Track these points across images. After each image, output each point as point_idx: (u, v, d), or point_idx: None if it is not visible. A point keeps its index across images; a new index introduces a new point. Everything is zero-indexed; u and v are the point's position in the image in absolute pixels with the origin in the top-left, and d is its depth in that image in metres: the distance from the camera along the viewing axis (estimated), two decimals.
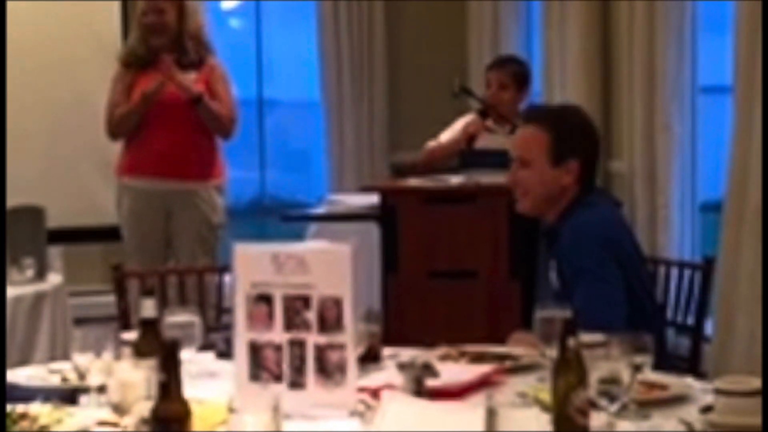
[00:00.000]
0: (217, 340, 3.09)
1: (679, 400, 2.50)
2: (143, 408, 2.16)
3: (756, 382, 2.35)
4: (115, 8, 6.12)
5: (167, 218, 5.14)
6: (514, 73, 5.45)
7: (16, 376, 2.82)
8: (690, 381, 2.67)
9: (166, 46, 5.02)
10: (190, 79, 5.01)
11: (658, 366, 2.62)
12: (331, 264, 2.50)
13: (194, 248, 5.12)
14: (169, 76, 4.94)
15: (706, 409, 2.38)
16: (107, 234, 5.58)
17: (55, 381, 2.77)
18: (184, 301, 3.86)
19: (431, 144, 5.50)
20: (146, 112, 5.00)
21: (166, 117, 5.02)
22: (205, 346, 2.91)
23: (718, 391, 2.35)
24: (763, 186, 4.63)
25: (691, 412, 2.40)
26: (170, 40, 5.03)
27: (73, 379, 2.70)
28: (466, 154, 5.20)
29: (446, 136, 5.50)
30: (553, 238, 3.27)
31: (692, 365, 3.38)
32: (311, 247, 2.81)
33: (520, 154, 3.28)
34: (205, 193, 5.16)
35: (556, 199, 3.25)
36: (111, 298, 3.90)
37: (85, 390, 2.59)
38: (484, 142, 5.31)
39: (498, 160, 5.12)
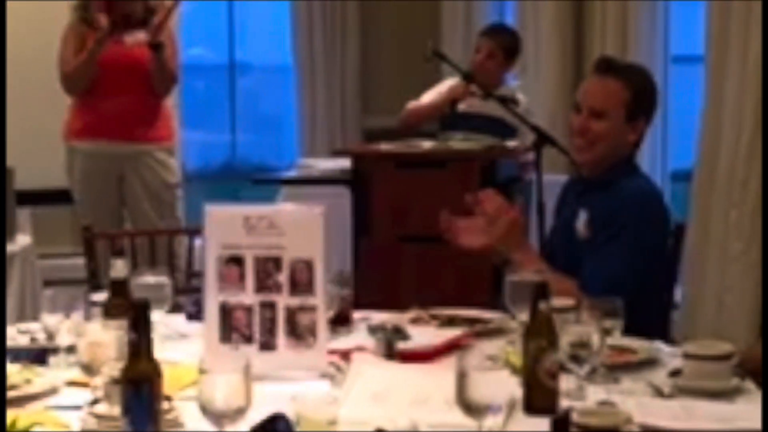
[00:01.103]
0: (186, 302, 3.09)
1: (648, 364, 2.52)
2: (113, 368, 2.15)
3: (724, 347, 2.37)
4: None
5: (119, 181, 5.10)
6: (505, 43, 5.45)
7: None
8: (659, 345, 2.68)
9: (133, 10, 4.99)
10: (140, 38, 4.97)
11: (643, 333, 2.64)
12: (302, 226, 2.50)
13: (149, 209, 5.08)
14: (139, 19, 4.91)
15: (675, 373, 2.40)
16: None
17: (24, 341, 2.76)
18: (153, 263, 3.84)
19: (413, 104, 5.50)
20: (97, 75, 4.97)
21: (115, 80, 4.97)
22: (174, 308, 2.90)
23: (687, 356, 2.37)
24: (763, 187, 4.65)
25: (660, 376, 2.42)
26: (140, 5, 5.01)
27: (42, 340, 2.69)
28: (448, 117, 5.22)
29: (428, 97, 5.51)
30: (597, 188, 3.21)
31: (662, 331, 3.40)
32: (283, 208, 2.80)
33: (596, 105, 3.19)
34: (158, 154, 5.12)
35: (617, 155, 3.23)
36: (80, 261, 3.88)
37: (55, 350, 2.58)
38: (465, 106, 5.33)
39: (478, 124, 5.14)
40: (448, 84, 5.51)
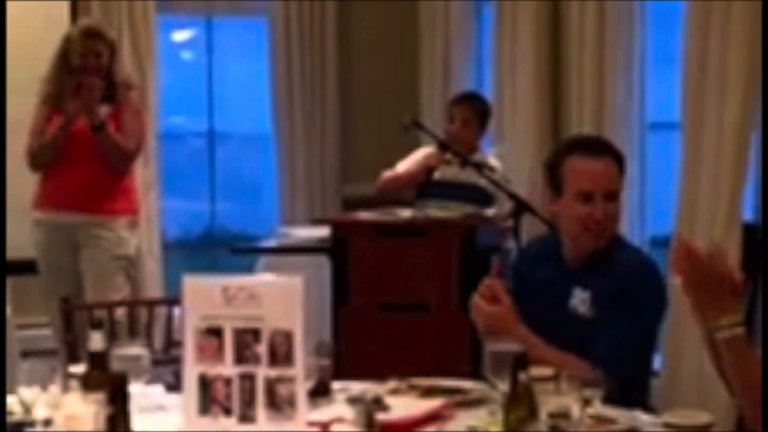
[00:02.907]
0: (165, 373, 3.07)
1: None
2: None
3: (704, 417, 2.37)
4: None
5: (75, 252, 5.10)
6: (478, 110, 5.50)
7: None
8: (639, 414, 2.68)
9: (95, 85, 5.02)
10: (103, 111, 5.01)
11: (623, 403, 2.64)
12: (281, 297, 2.49)
13: (99, 283, 5.06)
14: (89, 99, 4.92)
15: None
16: None
17: None
18: (132, 333, 3.83)
19: (388, 173, 5.52)
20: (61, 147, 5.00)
21: (76, 150, 5.00)
22: (152, 379, 2.89)
23: (668, 425, 2.37)
24: (763, 193, 4.67)
25: None
26: (100, 80, 5.04)
27: (19, 413, 2.66)
28: (424, 185, 5.24)
29: (403, 166, 5.53)
30: (591, 269, 3.20)
31: (642, 399, 3.39)
32: (262, 279, 2.79)
33: (612, 187, 3.19)
34: (113, 227, 5.11)
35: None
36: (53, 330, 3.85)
37: (31, 424, 2.56)
38: (440, 174, 5.35)
39: (455, 192, 5.16)
40: (422, 152, 5.54)
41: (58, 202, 5.07)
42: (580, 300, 3.17)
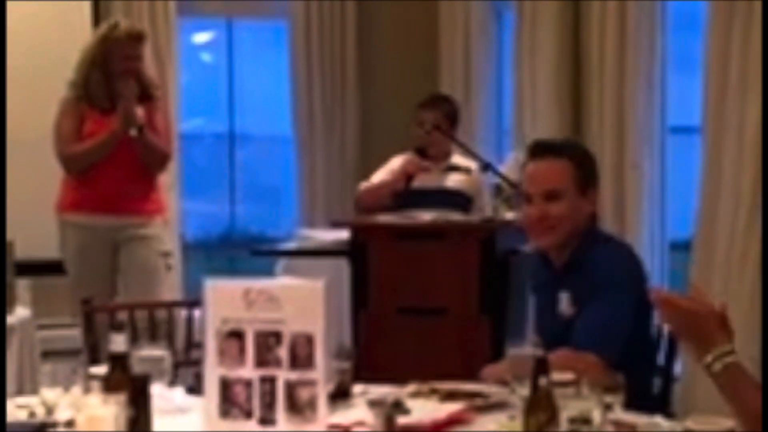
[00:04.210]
0: (186, 375, 3.08)
1: None
2: None
3: (726, 423, 2.36)
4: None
5: (114, 252, 5.12)
6: (448, 112, 5.47)
7: None
8: (659, 420, 2.67)
9: (134, 93, 5.04)
10: (138, 113, 5.02)
11: (644, 408, 2.63)
12: (303, 300, 2.50)
13: (144, 280, 5.09)
14: (130, 108, 4.93)
15: None
16: None
17: (22, 416, 2.74)
18: (153, 335, 3.84)
19: (365, 185, 5.44)
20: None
21: (111, 155, 5.01)
22: (173, 380, 2.90)
23: None
24: (763, 195, 4.65)
25: None
26: (136, 83, 5.06)
27: (41, 414, 2.68)
28: (404, 195, 5.18)
29: (379, 176, 5.45)
30: (572, 270, 3.23)
31: (662, 404, 3.39)
32: (283, 283, 2.80)
33: (549, 186, 3.22)
34: (152, 226, 5.14)
35: (579, 230, 3.25)
36: (79, 332, 3.87)
37: (53, 425, 2.57)
38: (420, 181, 5.30)
39: (437, 199, 5.14)
40: (398, 161, 5.45)
41: (96, 206, 5.07)
42: (564, 303, 3.21)
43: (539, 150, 3.31)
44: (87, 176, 5.05)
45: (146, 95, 5.10)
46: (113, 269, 5.12)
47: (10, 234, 4.75)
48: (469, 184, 5.31)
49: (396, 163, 5.46)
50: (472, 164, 5.36)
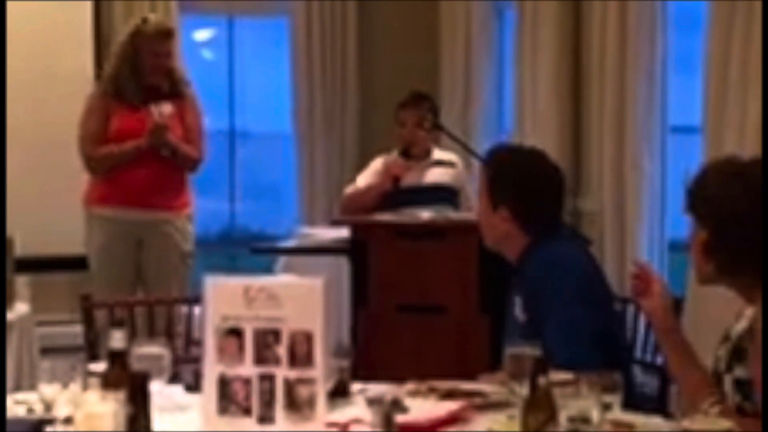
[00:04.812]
0: (185, 372, 3.08)
1: None
2: None
3: (723, 423, 2.36)
4: (88, 42, 6.15)
5: (138, 247, 5.14)
6: (431, 108, 5.46)
7: None
8: (658, 420, 2.67)
9: (161, 83, 5.06)
10: (167, 110, 5.02)
11: (626, 404, 2.63)
12: (302, 298, 2.50)
13: (166, 277, 5.12)
14: (162, 134, 4.96)
15: None
16: (75, 263, 5.55)
17: (20, 412, 2.74)
18: (152, 332, 3.84)
19: (351, 189, 5.41)
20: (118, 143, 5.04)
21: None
22: (173, 378, 2.90)
23: None
24: (763, 194, 4.65)
25: None
26: (166, 78, 5.08)
27: (39, 411, 2.68)
28: (392, 195, 5.15)
29: (364, 179, 5.40)
30: (516, 276, 3.28)
31: (660, 404, 3.39)
32: (283, 280, 2.80)
33: (477, 189, 3.31)
34: (178, 222, 5.17)
35: (505, 242, 3.26)
36: (78, 328, 3.87)
37: (52, 422, 2.57)
38: (407, 179, 5.28)
39: (426, 196, 5.14)
40: (381, 163, 5.43)
41: (123, 200, 5.09)
42: (518, 308, 3.26)
43: (488, 153, 3.40)
44: (117, 171, 5.07)
45: (176, 92, 5.11)
46: (136, 264, 5.14)
47: (11, 229, 4.75)
48: (455, 178, 5.36)
49: (378, 164, 5.44)
50: (454, 157, 5.40)
